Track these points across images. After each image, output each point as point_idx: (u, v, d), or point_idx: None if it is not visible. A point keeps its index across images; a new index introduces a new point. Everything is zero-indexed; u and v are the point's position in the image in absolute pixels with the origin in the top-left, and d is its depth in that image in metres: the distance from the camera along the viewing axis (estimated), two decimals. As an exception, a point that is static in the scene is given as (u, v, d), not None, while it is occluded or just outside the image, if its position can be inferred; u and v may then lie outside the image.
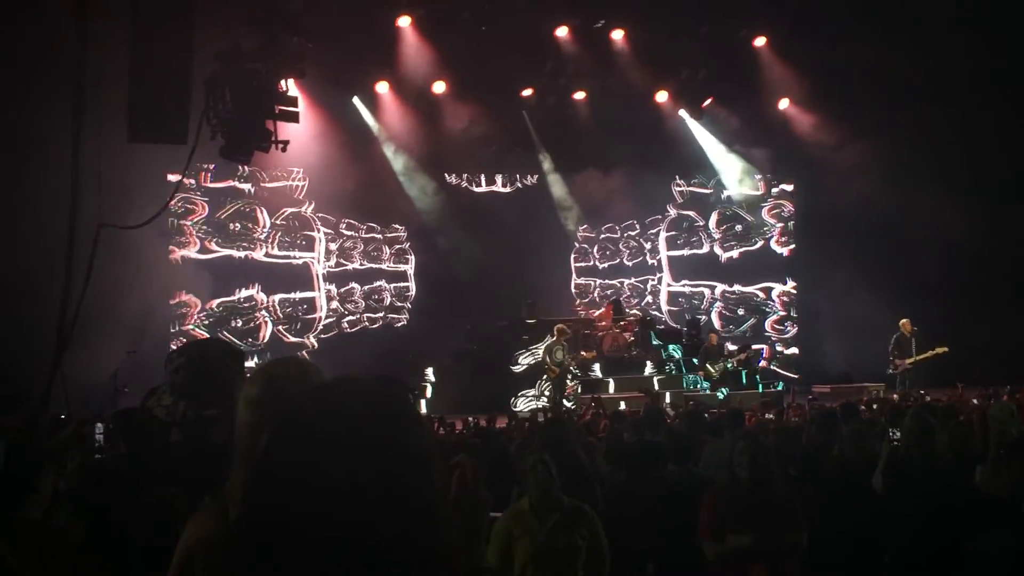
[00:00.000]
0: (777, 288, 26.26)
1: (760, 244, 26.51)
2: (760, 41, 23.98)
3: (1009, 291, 21.63)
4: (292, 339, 22.91)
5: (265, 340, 22.53)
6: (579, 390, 20.55)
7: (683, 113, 25.60)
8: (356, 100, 23.17)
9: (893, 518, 6.27)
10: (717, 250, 26.45)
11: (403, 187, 24.06)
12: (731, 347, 22.58)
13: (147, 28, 13.57)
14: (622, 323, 23.12)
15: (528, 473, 5.85)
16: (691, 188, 26.60)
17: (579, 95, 24.47)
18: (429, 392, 20.82)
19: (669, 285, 26.15)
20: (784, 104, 25.39)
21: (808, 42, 23.39)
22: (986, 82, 21.30)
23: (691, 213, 26.55)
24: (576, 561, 5.61)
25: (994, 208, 21.43)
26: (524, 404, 20.29)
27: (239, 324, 22.12)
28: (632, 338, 22.96)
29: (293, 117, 16.16)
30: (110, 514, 3.74)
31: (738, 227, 26.59)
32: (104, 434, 9.51)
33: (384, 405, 1.77)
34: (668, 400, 18.79)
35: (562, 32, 22.62)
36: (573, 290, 25.83)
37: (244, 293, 22.58)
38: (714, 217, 26.56)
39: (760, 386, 21.26)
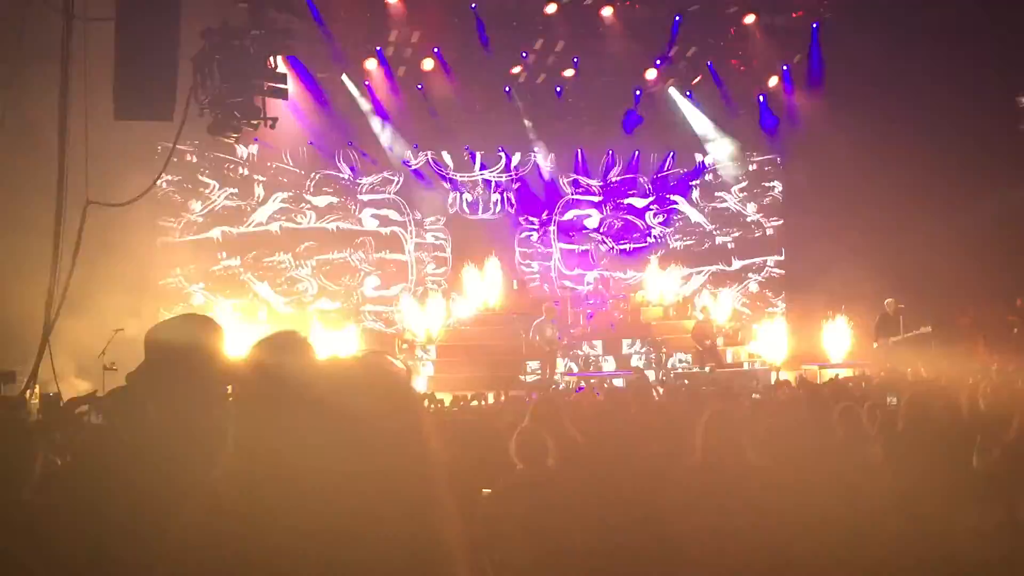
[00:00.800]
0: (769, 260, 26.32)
1: (749, 222, 26.49)
2: (750, 19, 23.89)
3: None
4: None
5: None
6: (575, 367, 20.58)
7: (672, 90, 25.54)
8: (345, 77, 23.07)
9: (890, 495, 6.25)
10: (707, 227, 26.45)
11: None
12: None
13: (133, 4, 13.41)
14: (612, 301, 23.18)
15: (523, 444, 5.82)
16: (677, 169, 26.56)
17: (568, 72, 24.40)
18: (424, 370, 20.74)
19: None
20: (773, 82, 25.37)
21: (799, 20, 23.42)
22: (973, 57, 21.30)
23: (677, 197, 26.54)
24: (567, 537, 5.57)
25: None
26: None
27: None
28: (620, 316, 23.01)
29: (282, 93, 16.04)
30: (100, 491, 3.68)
31: (725, 208, 26.58)
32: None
33: (380, 379, 1.79)
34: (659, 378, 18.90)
35: (551, 9, 22.48)
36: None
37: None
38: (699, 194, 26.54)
39: (746, 364, 21.32)
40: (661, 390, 14.53)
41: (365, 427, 1.68)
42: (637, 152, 25.90)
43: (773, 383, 14.77)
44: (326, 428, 1.69)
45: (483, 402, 13.04)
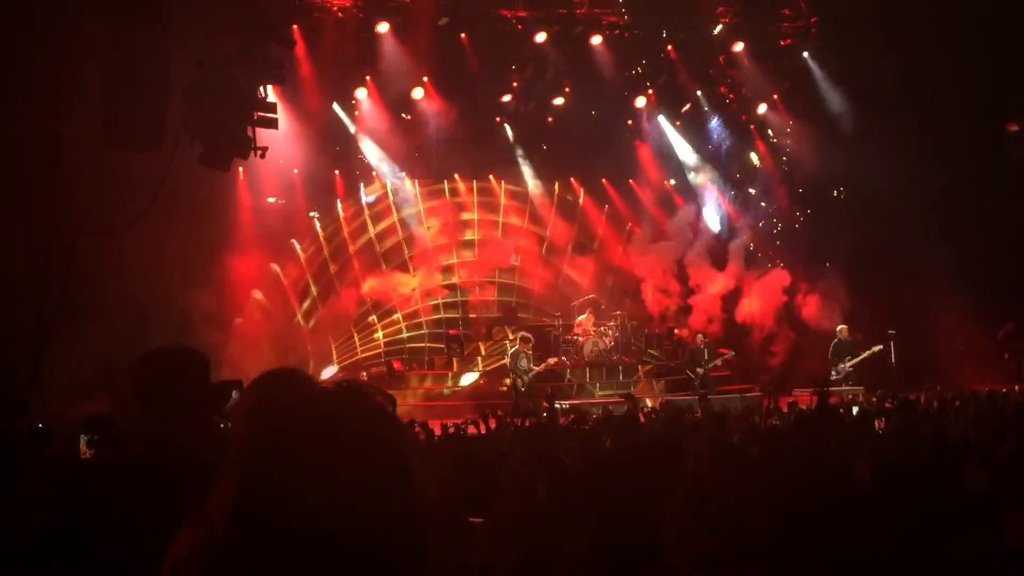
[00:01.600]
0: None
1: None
2: (738, 47, 24.04)
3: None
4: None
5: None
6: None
7: (661, 118, 25.66)
8: (336, 106, 23.12)
9: (877, 517, 6.21)
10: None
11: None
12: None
13: (123, 34, 13.45)
14: (602, 328, 23.14)
15: (513, 473, 5.78)
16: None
17: (558, 101, 24.51)
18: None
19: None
20: (762, 109, 25.50)
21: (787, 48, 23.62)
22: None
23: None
24: (558, 571, 5.53)
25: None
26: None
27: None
28: (612, 343, 23.00)
29: (272, 123, 16.08)
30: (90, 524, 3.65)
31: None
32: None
33: (368, 413, 1.78)
34: (649, 405, 18.77)
35: (541, 38, 22.59)
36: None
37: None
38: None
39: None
40: (650, 416, 14.48)
41: (346, 468, 1.69)
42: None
43: (764, 408, 14.73)
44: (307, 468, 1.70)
45: (478, 428, 12.99)
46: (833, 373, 20.20)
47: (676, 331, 24.82)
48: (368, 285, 24.01)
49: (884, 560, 6.10)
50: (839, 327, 20.87)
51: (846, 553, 6.06)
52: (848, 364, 20.26)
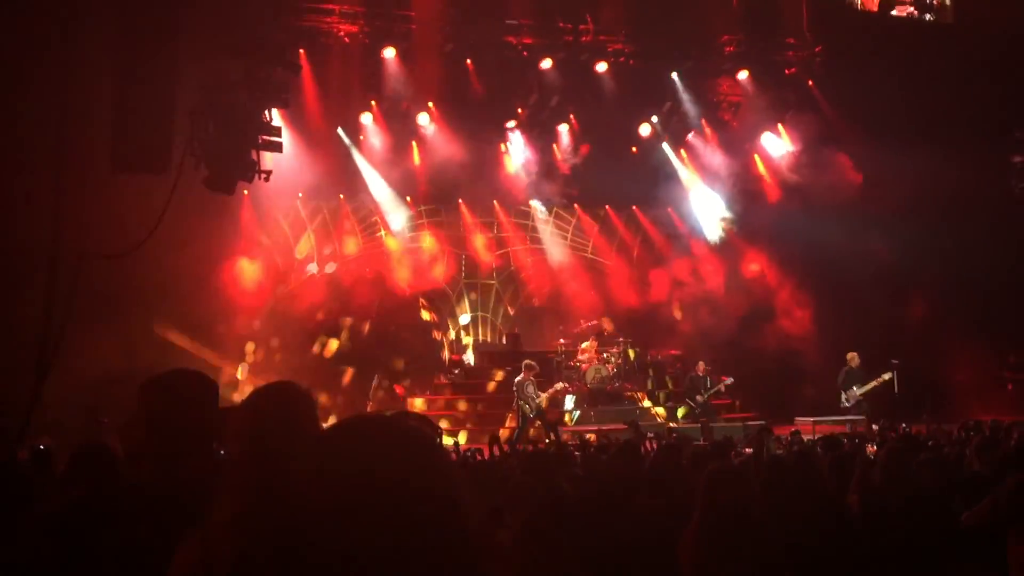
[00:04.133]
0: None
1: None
2: (743, 75, 24.18)
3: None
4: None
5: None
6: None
7: (665, 146, 25.76)
8: (340, 131, 23.22)
9: (872, 549, 6.22)
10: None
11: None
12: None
13: (130, 59, 13.58)
14: (605, 355, 23.15)
15: (515, 499, 5.78)
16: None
17: (563, 127, 24.64)
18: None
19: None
20: (766, 136, 25.60)
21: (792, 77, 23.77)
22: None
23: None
24: None
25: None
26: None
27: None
28: (615, 370, 23.00)
29: (277, 147, 16.18)
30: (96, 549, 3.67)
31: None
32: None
33: (416, 444, 1.68)
34: (651, 434, 18.77)
35: (546, 64, 22.72)
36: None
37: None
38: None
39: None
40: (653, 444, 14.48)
41: (396, 505, 1.58)
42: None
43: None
44: (346, 508, 1.57)
45: (479, 455, 13.00)
46: (843, 401, 20.21)
47: (674, 356, 24.80)
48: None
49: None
50: (849, 355, 20.58)
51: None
52: (858, 392, 20.07)
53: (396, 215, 24.55)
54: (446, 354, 25.13)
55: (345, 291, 23.68)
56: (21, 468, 5.02)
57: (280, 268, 23.09)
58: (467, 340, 25.74)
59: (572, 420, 21.38)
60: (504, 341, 25.11)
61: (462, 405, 22.45)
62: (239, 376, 21.66)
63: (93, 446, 4.65)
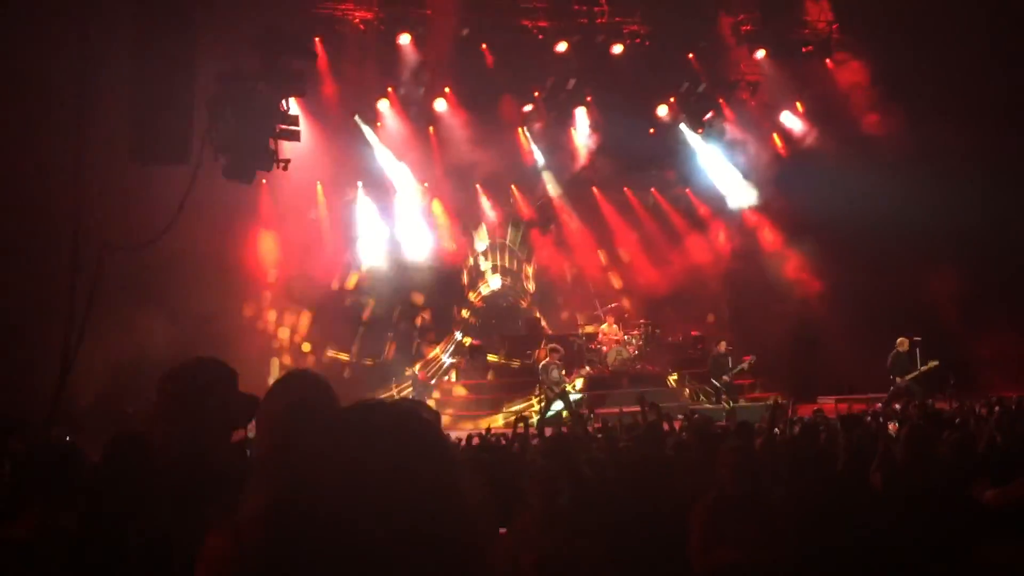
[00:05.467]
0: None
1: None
2: (760, 54, 24.05)
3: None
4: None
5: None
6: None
7: (683, 127, 25.65)
8: (357, 118, 23.23)
9: (895, 529, 6.13)
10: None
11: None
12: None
13: (149, 50, 13.60)
14: (626, 336, 23.15)
15: (536, 484, 5.76)
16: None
17: (580, 110, 24.58)
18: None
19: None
20: (785, 117, 25.47)
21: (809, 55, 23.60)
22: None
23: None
24: None
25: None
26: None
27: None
28: (636, 351, 22.99)
29: (295, 136, 16.19)
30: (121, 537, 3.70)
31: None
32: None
33: (421, 431, 1.71)
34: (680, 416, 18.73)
35: (562, 47, 22.66)
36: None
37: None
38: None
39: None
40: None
41: (400, 487, 1.62)
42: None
43: (789, 417, 14.62)
44: (358, 487, 1.62)
45: (503, 439, 13.01)
46: (892, 388, 19.87)
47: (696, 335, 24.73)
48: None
49: (903, 572, 6.03)
50: (899, 339, 20.17)
51: (866, 564, 6.04)
52: (907, 379, 19.72)
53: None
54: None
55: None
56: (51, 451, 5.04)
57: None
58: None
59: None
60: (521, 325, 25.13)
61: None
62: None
63: (128, 435, 4.68)
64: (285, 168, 16.26)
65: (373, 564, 1.57)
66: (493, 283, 25.48)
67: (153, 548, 3.04)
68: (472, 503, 1.69)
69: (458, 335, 22.99)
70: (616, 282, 26.06)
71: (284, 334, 23.19)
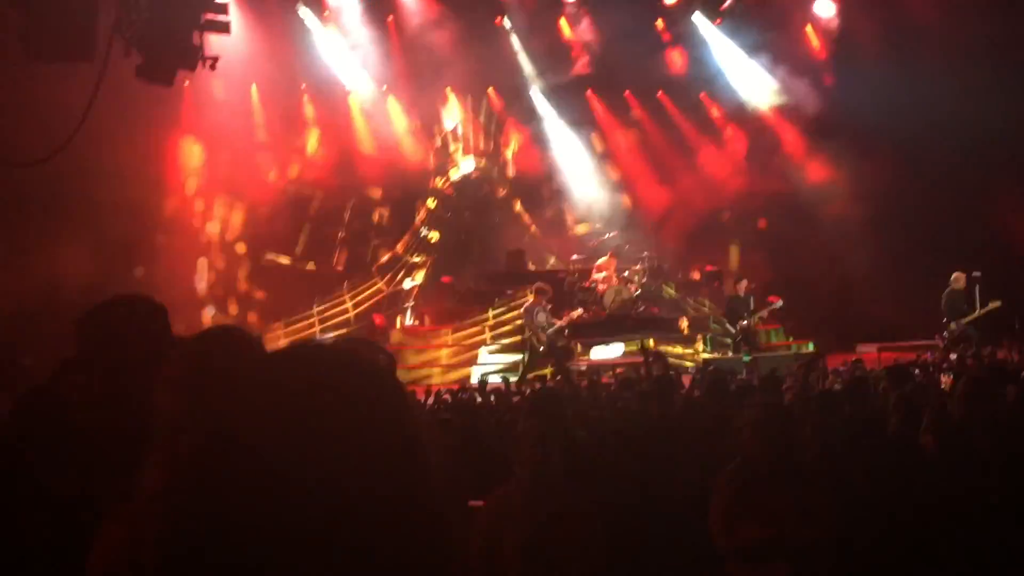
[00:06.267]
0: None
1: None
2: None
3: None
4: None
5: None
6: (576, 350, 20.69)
7: (697, 17, 25.51)
8: (300, 6, 23.02)
9: (953, 499, 6.16)
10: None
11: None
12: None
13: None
14: (626, 273, 23.17)
15: (521, 448, 5.73)
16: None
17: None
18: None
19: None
20: (818, 5, 25.37)
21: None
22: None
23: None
24: (571, 563, 5.52)
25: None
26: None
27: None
28: (638, 291, 23.02)
29: (224, 28, 16.02)
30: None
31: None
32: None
33: (369, 375, 1.65)
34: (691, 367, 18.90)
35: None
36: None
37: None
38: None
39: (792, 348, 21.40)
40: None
41: (341, 439, 1.55)
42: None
43: (821, 368, 14.71)
44: (286, 441, 1.54)
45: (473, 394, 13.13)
46: (945, 333, 19.61)
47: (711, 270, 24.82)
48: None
49: (969, 554, 6.06)
50: (954, 275, 19.76)
51: (918, 541, 6.10)
52: (964, 323, 19.33)
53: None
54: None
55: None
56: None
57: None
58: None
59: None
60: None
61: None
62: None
63: (37, 391, 4.69)
64: (213, 67, 16.10)
65: (309, 547, 1.51)
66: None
67: (73, 525, 3.07)
68: (433, 466, 1.64)
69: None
70: (614, 207, 26.08)
71: (214, 229, 23.23)
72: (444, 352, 22.31)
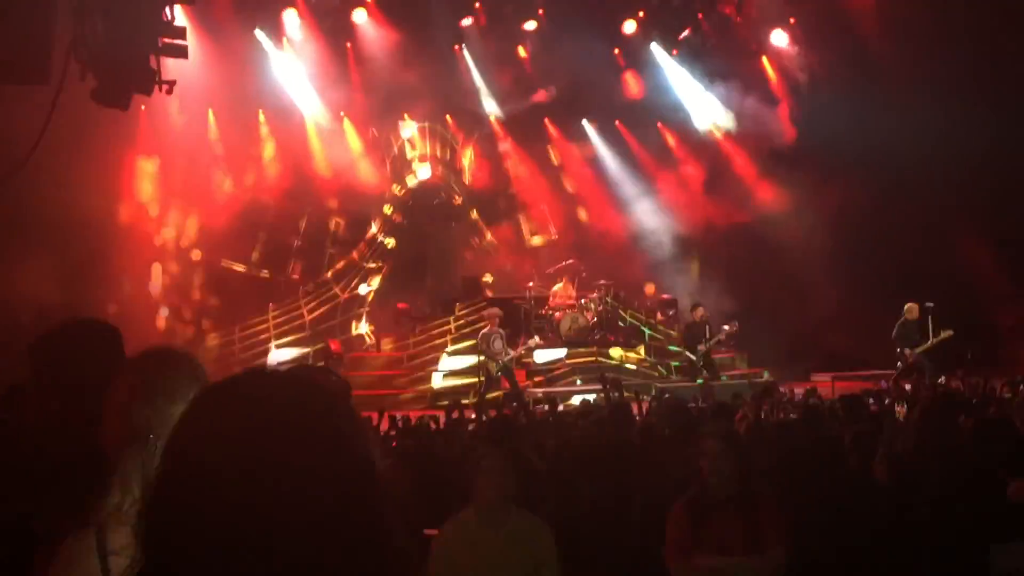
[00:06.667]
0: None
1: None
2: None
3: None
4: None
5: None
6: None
7: (655, 46, 25.64)
8: (258, 31, 22.96)
9: (903, 528, 6.21)
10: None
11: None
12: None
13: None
14: (583, 301, 23.15)
15: (477, 476, 5.74)
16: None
17: (530, 25, 24.44)
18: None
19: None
20: (776, 36, 25.55)
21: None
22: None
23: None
24: None
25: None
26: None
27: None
28: (595, 318, 23.00)
29: (181, 52, 15.95)
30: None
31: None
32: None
33: (322, 402, 1.68)
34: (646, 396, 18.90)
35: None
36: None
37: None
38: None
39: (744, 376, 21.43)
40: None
41: (293, 465, 1.58)
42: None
43: (776, 398, 14.76)
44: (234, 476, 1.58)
45: (434, 423, 13.07)
46: (899, 362, 19.70)
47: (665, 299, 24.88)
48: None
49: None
50: (907, 305, 19.89)
51: (870, 572, 6.14)
52: (918, 351, 19.41)
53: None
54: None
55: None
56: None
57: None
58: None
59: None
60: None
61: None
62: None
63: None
64: (169, 92, 16.00)
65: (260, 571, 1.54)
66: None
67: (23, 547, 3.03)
68: (387, 492, 1.68)
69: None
70: (570, 235, 26.14)
71: (169, 234, 23.12)
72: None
